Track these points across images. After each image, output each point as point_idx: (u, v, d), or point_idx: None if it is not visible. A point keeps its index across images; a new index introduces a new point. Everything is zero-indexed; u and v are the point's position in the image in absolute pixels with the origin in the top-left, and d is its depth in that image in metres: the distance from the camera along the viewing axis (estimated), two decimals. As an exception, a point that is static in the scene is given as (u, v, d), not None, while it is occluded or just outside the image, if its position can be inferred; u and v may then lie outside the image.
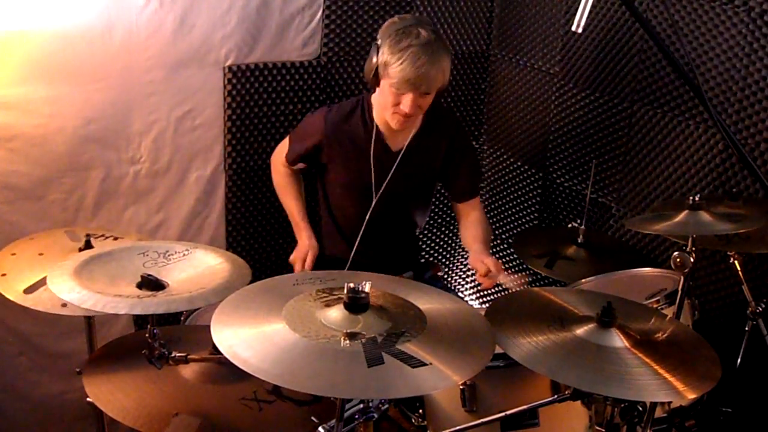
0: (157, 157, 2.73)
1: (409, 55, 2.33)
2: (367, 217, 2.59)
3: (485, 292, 3.62)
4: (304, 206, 2.75)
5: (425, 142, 2.62)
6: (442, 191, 3.16)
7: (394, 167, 2.58)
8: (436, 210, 3.47)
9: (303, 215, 2.72)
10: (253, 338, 1.50)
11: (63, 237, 2.23)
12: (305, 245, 2.65)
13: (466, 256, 3.65)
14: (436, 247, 3.56)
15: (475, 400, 1.89)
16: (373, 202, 2.60)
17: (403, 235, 2.82)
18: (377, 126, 2.57)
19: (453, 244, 3.61)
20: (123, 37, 2.53)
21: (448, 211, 3.51)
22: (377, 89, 2.49)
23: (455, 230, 3.58)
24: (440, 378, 1.46)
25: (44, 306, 1.89)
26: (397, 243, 2.78)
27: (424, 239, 3.49)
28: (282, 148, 2.74)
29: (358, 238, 2.58)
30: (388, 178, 2.58)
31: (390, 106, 2.44)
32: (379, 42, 2.41)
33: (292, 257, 2.65)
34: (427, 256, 3.52)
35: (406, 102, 2.40)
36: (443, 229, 3.54)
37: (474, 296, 3.70)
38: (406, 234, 2.84)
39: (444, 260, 3.62)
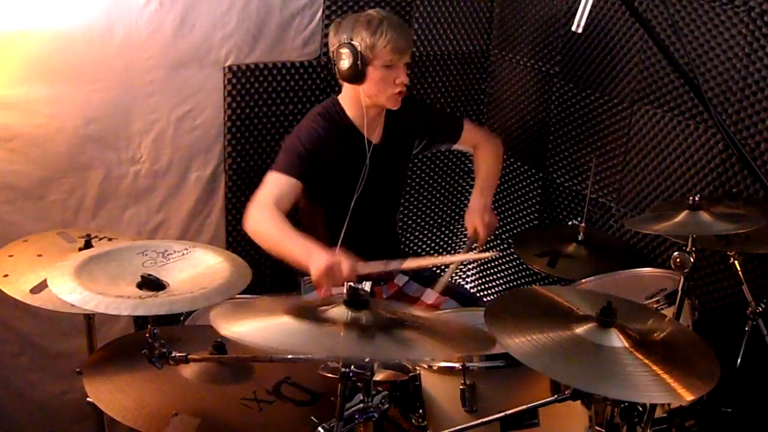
0: (157, 157, 2.73)
1: (387, 28, 2.43)
2: (352, 204, 2.55)
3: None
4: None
5: (399, 129, 2.66)
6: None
7: (379, 158, 2.60)
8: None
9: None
10: (254, 326, 1.53)
11: (57, 239, 2.23)
12: (329, 258, 2.18)
13: (459, 250, 3.65)
14: (428, 241, 3.55)
15: (475, 400, 1.89)
16: (354, 196, 2.57)
17: (385, 228, 2.80)
18: (353, 123, 2.57)
19: (444, 238, 3.60)
20: (123, 37, 2.54)
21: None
22: (357, 84, 2.48)
23: (444, 225, 3.58)
24: (435, 348, 1.52)
25: (54, 305, 1.87)
26: (380, 237, 2.75)
27: (415, 233, 3.48)
28: (267, 192, 2.42)
29: (344, 228, 2.52)
30: (375, 169, 2.59)
31: (392, 84, 2.50)
32: (344, 40, 2.44)
33: (316, 276, 2.19)
34: (419, 251, 3.51)
35: (401, 72, 2.49)
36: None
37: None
38: (389, 226, 2.82)
39: (434, 254, 3.61)
